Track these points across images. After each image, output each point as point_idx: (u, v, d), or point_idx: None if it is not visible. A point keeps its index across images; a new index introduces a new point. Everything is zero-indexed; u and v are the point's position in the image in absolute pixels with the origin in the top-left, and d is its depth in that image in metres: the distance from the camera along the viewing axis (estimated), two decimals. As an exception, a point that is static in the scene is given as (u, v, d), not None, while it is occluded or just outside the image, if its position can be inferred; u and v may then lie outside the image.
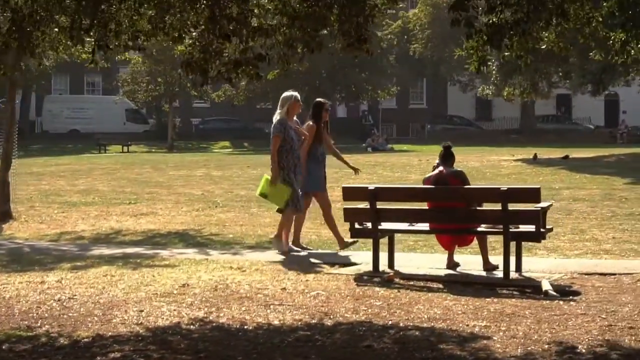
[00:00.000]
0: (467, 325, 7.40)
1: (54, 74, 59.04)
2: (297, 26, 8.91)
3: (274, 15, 9.13)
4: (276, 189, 11.09)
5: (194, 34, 8.80)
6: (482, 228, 9.49)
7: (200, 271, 10.02)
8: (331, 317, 7.75)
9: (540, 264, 10.24)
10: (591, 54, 20.31)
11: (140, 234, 14.13)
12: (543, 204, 9.48)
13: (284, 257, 10.95)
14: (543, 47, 8.72)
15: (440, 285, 9.17)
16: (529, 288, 8.94)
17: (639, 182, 21.63)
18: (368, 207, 9.71)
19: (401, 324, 7.47)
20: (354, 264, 10.33)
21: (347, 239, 10.98)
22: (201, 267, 10.34)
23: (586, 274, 9.68)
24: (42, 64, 26.27)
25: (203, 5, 8.53)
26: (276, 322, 7.58)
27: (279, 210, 11.54)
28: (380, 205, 9.81)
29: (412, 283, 9.28)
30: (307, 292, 8.78)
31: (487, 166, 28.44)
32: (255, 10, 9.01)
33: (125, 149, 49.94)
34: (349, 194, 10.08)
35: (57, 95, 64.17)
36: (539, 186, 9.45)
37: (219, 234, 13.92)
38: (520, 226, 9.43)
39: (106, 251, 11.99)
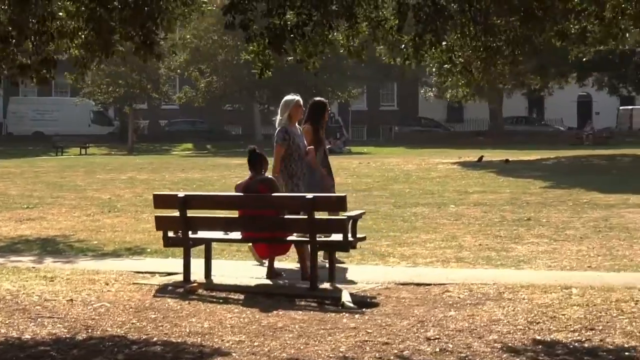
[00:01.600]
0: (223, 340, 7.11)
1: (20, 76, 58.60)
2: (92, 30, 8.65)
3: (71, 19, 8.84)
4: None
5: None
6: (294, 237, 9.21)
7: (7, 280, 9.71)
8: (90, 330, 7.45)
9: (366, 274, 9.94)
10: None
11: (7, 239, 13.80)
12: (353, 213, 9.20)
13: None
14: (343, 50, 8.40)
15: (242, 297, 8.88)
16: (329, 299, 8.66)
17: (556, 186, 21.35)
18: (178, 215, 9.40)
19: (155, 339, 7.17)
20: (174, 273, 10.02)
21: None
22: (14, 276, 10.02)
23: (403, 283, 9.38)
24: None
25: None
26: (26, 337, 7.27)
27: None
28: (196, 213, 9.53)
29: (214, 294, 9.00)
30: (93, 303, 8.48)
31: (421, 169, 28.18)
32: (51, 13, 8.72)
33: (84, 151, 49.58)
34: (160, 201, 9.77)
35: (22, 97, 63.77)
36: (345, 194, 9.15)
37: (86, 240, 13.59)
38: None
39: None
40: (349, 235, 9.01)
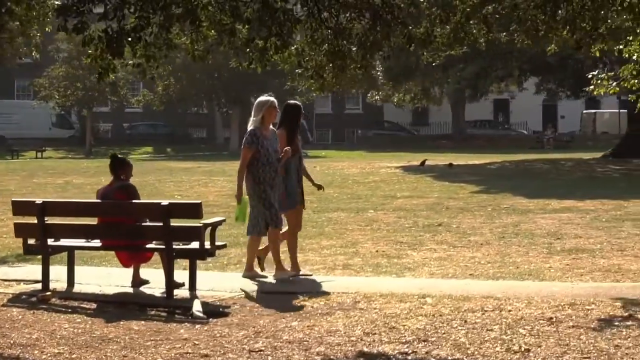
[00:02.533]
0: (43, 352, 6.90)
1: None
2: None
3: None
4: (242, 205, 9.86)
5: None
6: (153, 245, 9.01)
7: None
8: None
9: (237, 281, 9.77)
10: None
11: None
12: (211, 220, 9.01)
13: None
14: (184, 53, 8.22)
15: (94, 306, 8.68)
16: (180, 309, 8.47)
17: (486, 191, 21.26)
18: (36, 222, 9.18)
19: (-30, 352, 6.95)
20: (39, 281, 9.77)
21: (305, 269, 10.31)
22: None
23: (268, 292, 9.22)
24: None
25: None
26: None
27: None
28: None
29: (67, 303, 8.78)
30: None
31: (362, 173, 28.04)
32: None
33: (40, 154, 49.16)
34: (18, 208, 9.54)
35: (-18, 101, 63.28)
36: (200, 201, 8.96)
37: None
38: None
39: None
40: (207, 243, 8.82)
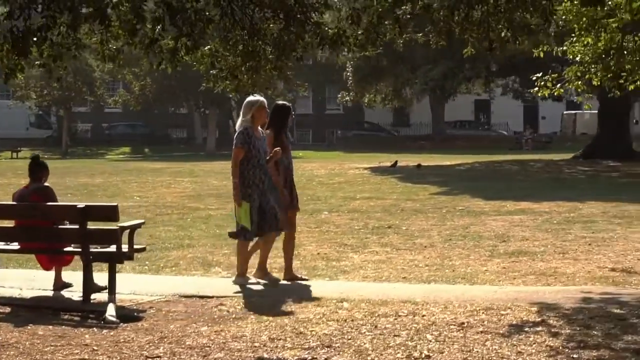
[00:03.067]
0: None
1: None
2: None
3: None
4: (242, 208, 9.41)
5: None
6: (71, 248, 8.87)
7: None
8: None
9: (158, 285, 9.65)
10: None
11: None
12: (129, 223, 8.87)
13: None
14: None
15: (8, 310, 8.53)
16: (94, 313, 8.32)
17: (447, 193, 21.19)
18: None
19: None
20: None
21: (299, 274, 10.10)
22: None
23: (187, 296, 9.08)
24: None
25: None
26: None
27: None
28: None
29: (-17, 307, 8.64)
30: None
31: (329, 175, 27.95)
32: None
33: (15, 154, 48.91)
34: None
35: (-41, 101, 63.01)
36: (116, 204, 8.82)
37: None
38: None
39: None
40: (125, 246, 8.69)
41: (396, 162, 31.44)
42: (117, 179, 26.99)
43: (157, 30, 7.18)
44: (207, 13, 7.67)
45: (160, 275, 10.63)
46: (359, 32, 7.38)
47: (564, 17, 11.69)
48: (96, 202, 19.51)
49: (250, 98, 9.48)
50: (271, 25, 7.86)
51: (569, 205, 17.65)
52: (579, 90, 12.71)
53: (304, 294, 8.98)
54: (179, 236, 14.28)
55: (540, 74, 12.53)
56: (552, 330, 7.20)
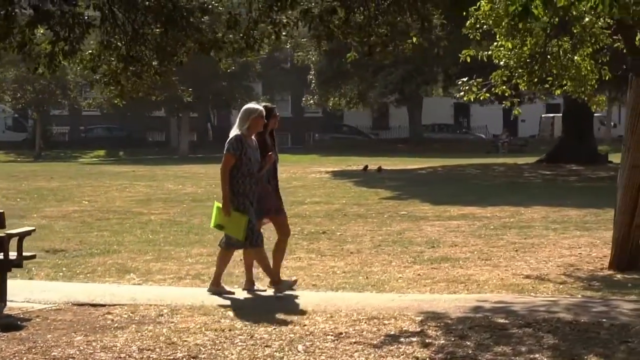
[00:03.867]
0: None
1: None
2: None
3: None
4: (231, 218, 9.07)
5: None
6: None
7: None
8: None
9: (55, 292, 9.48)
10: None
11: None
12: (17, 230, 8.74)
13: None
14: None
15: None
16: (-23, 322, 8.17)
17: (397, 197, 21.11)
18: None
19: None
20: None
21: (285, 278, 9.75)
22: None
23: (80, 304, 8.92)
24: None
25: None
26: None
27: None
28: None
29: None
30: None
31: (290, 178, 27.76)
32: None
33: (-13, 157, 48.78)
34: None
35: None
36: (2, 210, 8.68)
37: None
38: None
39: None
40: (13, 253, 8.55)
41: (366, 166, 31.27)
42: (74, 183, 26.82)
43: (27, 34, 7.03)
44: (87, 17, 7.53)
45: (63, 282, 10.45)
46: (238, 37, 7.27)
47: (483, 21, 11.56)
48: (44, 206, 19.40)
49: (249, 106, 9.24)
50: (153, 30, 7.71)
51: (512, 210, 17.57)
52: (507, 94, 12.60)
53: (200, 302, 8.83)
54: (109, 242, 14.14)
55: (467, 78, 12.38)
56: (427, 340, 7.08)
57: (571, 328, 7.41)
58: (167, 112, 58.19)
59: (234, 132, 9.06)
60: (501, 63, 12.37)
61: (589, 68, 12.53)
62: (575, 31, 12.05)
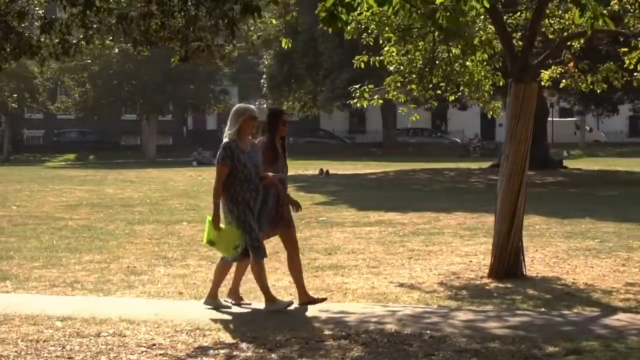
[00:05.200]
0: None
1: None
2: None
3: None
4: (222, 233, 8.51)
5: None
6: None
7: None
8: None
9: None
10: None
11: None
12: None
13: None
14: None
15: None
16: None
17: (331, 203, 20.96)
18: None
19: None
20: None
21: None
22: None
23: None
24: None
25: None
26: None
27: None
28: None
29: None
30: None
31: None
32: None
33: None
34: None
35: None
36: None
37: None
38: None
39: None
40: None
41: (322, 170, 31.04)
42: (17, 187, 26.66)
43: None
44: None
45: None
46: (55, 42, 7.12)
47: (368, 26, 11.45)
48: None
49: (240, 106, 8.79)
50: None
51: (432, 217, 17.44)
52: (402, 100, 12.48)
53: (40, 310, 8.64)
54: (9, 248, 13.95)
55: (359, 85, 12.27)
56: (234, 353, 6.95)
57: (389, 340, 7.27)
58: (139, 115, 58.15)
59: (224, 137, 8.56)
60: (391, 68, 12.26)
61: (482, 74, 12.44)
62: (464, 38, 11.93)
